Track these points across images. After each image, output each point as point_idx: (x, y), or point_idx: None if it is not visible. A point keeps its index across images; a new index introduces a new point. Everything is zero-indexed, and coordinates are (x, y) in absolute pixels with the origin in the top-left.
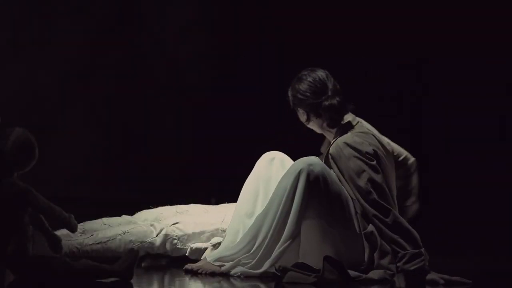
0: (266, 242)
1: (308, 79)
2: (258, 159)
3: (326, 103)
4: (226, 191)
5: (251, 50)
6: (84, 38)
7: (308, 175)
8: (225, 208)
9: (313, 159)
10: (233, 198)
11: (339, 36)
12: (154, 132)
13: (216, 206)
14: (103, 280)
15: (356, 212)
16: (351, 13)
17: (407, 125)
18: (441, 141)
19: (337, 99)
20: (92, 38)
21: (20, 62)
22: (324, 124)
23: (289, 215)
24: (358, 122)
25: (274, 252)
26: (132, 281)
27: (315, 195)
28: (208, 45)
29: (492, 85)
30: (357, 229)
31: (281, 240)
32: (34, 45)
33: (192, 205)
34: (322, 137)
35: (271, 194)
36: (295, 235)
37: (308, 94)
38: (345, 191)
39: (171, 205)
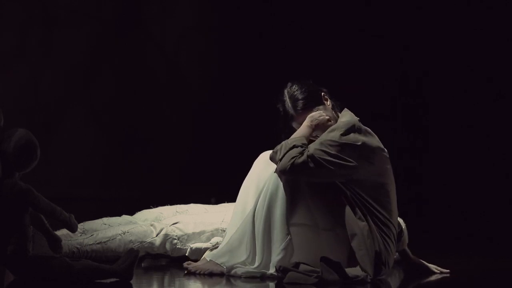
0: (262, 248)
1: (299, 86)
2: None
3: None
4: (226, 191)
5: (250, 53)
6: (87, 42)
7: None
8: (225, 208)
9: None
10: (233, 198)
11: (337, 38)
12: (154, 133)
13: (216, 206)
14: (103, 280)
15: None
16: (349, 13)
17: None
18: (440, 136)
19: None
20: (95, 42)
21: (24, 65)
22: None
23: (274, 217)
24: None
25: (273, 254)
26: (132, 281)
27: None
28: (208, 48)
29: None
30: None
31: (274, 243)
32: (38, 49)
33: (192, 204)
34: None
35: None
36: (286, 233)
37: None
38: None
39: (171, 205)
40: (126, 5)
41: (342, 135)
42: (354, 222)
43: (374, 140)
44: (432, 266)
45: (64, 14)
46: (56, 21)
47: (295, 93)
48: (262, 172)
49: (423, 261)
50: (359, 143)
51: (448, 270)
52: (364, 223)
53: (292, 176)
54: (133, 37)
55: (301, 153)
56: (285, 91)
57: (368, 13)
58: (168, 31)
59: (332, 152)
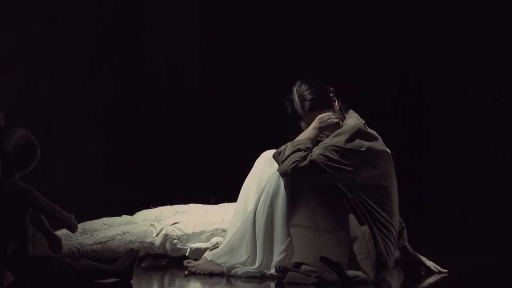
0: (262, 248)
1: (309, 85)
2: (257, 158)
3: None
4: (226, 191)
5: (250, 53)
6: (87, 42)
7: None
8: (225, 208)
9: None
10: (233, 198)
11: (337, 38)
12: (154, 133)
13: (216, 206)
14: (103, 280)
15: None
16: (348, 13)
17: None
18: (440, 136)
19: None
20: (95, 42)
21: (24, 65)
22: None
23: (275, 218)
24: None
25: (274, 255)
26: (132, 281)
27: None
28: (208, 48)
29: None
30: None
31: (275, 244)
32: (38, 49)
33: (192, 204)
34: None
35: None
36: (287, 234)
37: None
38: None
39: (171, 205)
40: (126, 5)
41: (347, 140)
42: (356, 225)
43: (378, 144)
44: (432, 264)
45: (64, 14)
46: (56, 21)
47: (304, 93)
48: (264, 172)
49: (422, 258)
50: (363, 149)
51: (446, 270)
52: (366, 226)
53: (292, 179)
54: (133, 37)
55: (304, 158)
56: (294, 90)
57: (368, 13)
58: (168, 31)
59: (335, 158)
